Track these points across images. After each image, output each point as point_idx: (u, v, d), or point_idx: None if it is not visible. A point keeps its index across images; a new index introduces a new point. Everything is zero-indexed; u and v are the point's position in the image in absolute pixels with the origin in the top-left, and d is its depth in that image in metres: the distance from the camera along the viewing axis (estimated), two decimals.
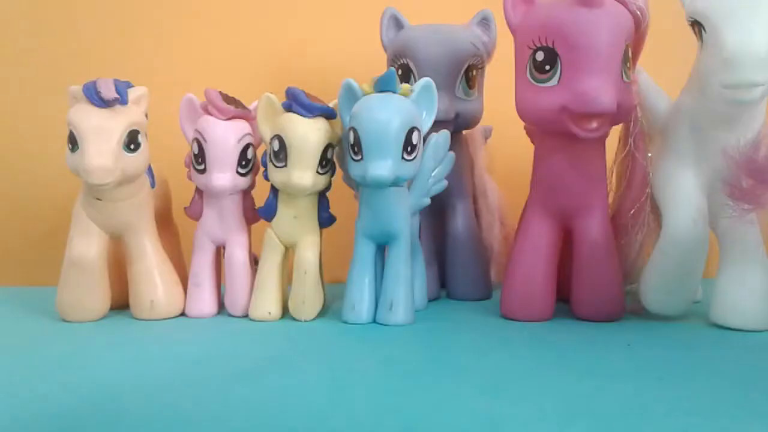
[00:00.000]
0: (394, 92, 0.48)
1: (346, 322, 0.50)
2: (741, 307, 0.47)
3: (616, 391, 0.33)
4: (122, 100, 0.49)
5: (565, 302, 0.54)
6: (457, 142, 0.58)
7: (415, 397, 0.33)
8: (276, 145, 0.50)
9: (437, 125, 0.52)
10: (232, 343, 0.46)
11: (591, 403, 0.32)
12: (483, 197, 0.64)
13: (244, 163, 0.52)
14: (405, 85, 0.49)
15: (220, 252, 0.56)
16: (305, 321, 0.51)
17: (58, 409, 0.31)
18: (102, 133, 0.47)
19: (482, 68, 0.60)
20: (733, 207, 0.43)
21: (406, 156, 0.47)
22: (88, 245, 0.51)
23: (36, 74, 0.76)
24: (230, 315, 0.54)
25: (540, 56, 0.47)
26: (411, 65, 0.58)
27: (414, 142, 0.48)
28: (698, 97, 0.47)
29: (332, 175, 0.53)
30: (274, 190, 0.52)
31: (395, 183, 0.48)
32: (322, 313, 0.53)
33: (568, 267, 0.52)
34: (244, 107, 0.54)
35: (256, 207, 0.55)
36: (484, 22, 0.60)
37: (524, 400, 0.32)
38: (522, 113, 0.51)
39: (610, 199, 0.54)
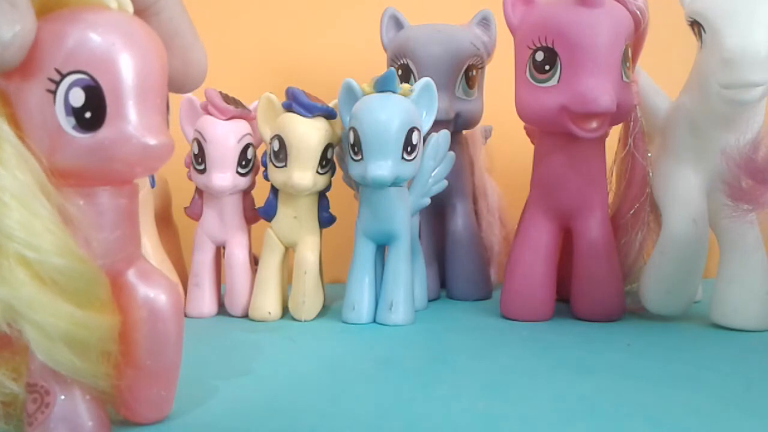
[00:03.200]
0: (394, 92, 0.48)
1: (346, 322, 0.50)
2: (741, 307, 0.47)
3: (616, 391, 0.33)
4: None
5: (565, 302, 0.54)
6: (457, 142, 0.58)
7: (415, 397, 0.33)
8: (276, 145, 0.50)
9: (437, 125, 0.52)
10: (231, 344, 0.46)
11: (591, 403, 0.32)
12: (483, 197, 0.64)
13: (244, 163, 0.52)
14: (405, 85, 0.49)
15: (220, 252, 0.56)
16: (305, 321, 0.51)
17: None
18: None
19: (482, 68, 0.60)
20: (733, 207, 0.43)
21: (406, 156, 0.47)
22: None
23: None
24: (230, 315, 0.54)
25: (540, 56, 0.47)
26: (411, 65, 0.58)
27: (414, 142, 0.48)
28: (698, 97, 0.47)
29: (332, 175, 0.53)
30: (274, 190, 0.52)
31: (395, 183, 0.48)
32: (322, 313, 0.53)
33: (568, 267, 0.52)
34: (244, 107, 0.54)
35: (256, 207, 0.55)
36: (484, 22, 0.60)
37: (524, 400, 0.32)
38: (522, 113, 0.51)
39: (610, 199, 0.54)
